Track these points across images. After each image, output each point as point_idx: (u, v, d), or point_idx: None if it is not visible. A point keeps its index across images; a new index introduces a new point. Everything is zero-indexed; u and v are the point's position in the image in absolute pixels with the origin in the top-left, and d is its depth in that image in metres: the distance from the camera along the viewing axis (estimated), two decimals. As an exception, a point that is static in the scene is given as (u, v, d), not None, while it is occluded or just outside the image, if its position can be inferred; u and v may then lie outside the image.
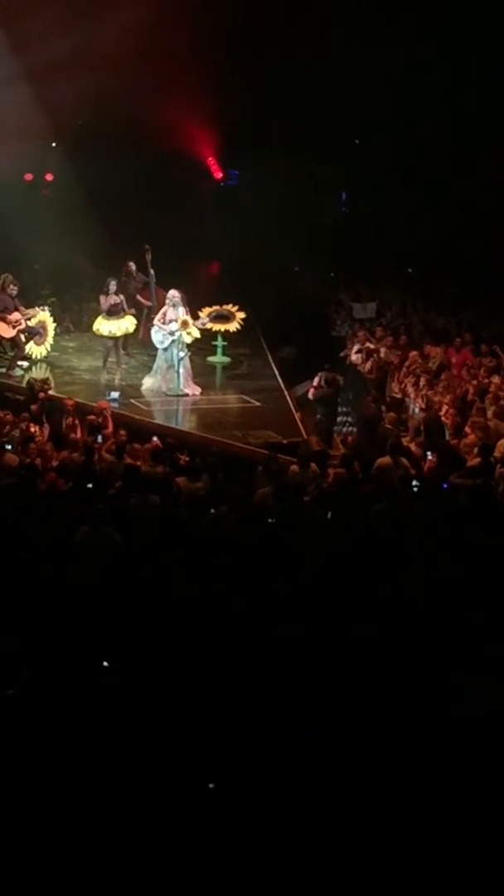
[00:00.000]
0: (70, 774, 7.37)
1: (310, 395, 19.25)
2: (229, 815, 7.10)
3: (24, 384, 19.34)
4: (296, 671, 8.37)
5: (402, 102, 26.67)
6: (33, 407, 17.05)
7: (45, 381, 18.66)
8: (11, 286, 20.86)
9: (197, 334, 20.50)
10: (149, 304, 21.80)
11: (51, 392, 18.14)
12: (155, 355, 20.58)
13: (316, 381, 19.09)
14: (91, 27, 24.59)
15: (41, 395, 17.48)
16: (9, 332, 20.79)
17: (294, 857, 6.85)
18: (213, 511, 12.12)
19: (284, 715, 7.91)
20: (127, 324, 20.85)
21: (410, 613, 9.29)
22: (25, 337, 21.17)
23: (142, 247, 21.85)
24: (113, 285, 20.94)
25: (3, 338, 20.98)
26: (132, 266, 22.07)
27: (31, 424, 16.11)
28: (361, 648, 8.66)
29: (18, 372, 20.77)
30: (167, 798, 7.22)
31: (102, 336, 20.90)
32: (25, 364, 21.08)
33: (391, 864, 6.83)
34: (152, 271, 21.81)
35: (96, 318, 21.01)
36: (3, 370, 20.81)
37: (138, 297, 21.87)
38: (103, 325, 20.78)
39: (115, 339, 20.82)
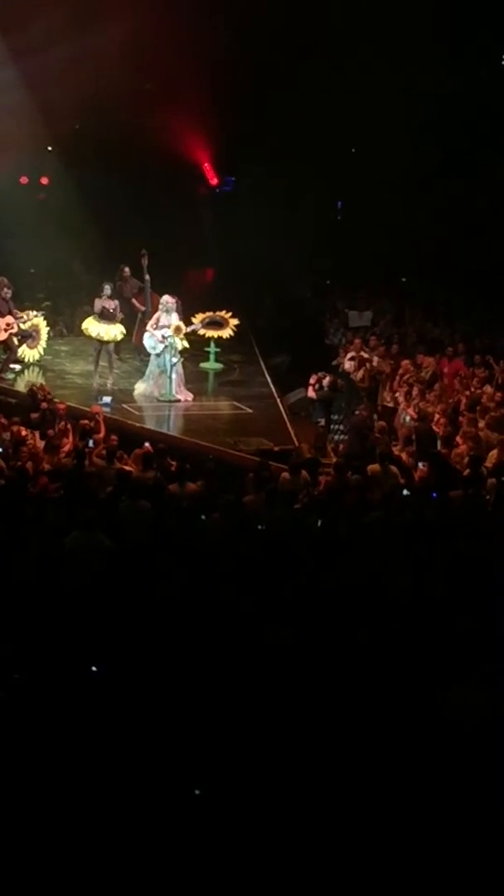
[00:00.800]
0: (62, 777, 7.37)
1: (311, 394, 19.24)
2: (224, 816, 7.11)
3: (23, 389, 19.25)
4: (286, 676, 8.38)
5: (398, 110, 26.67)
6: (34, 415, 16.91)
7: (46, 390, 18.34)
8: (5, 289, 20.85)
9: (186, 344, 20.45)
10: (143, 308, 21.79)
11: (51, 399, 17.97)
12: (147, 360, 20.58)
13: (313, 380, 19.09)
14: (88, 32, 24.57)
15: (43, 404, 17.28)
16: (0, 336, 20.77)
17: (287, 856, 6.86)
18: (203, 517, 12.11)
19: (274, 718, 7.92)
20: (115, 331, 20.82)
21: (400, 621, 9.29)
22: (18, 340, 21.15)
23: (138, 252, 21.85)
24: (107, 289, 20.95)
25: (-3, 341, 20.99)
26: (127, 270, 22.07)
27: (23, 428, 16.06)
28: (351, 654, 8.67)
29: (10, 375, 20.74)
30: (159, 800, 7.23)
31: (90, 337, 20.92)
32: (17, 367, 21.06)
33: (384, 865, 6.84)
34: (147, 276, 21.81)
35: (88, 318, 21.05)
36: (-4, 373, 20.82)
37: (133, 301, 21.87)
38: (92, 326, 20.78)
39: (102, 342, 20.80)
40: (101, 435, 16.07)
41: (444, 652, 8.69)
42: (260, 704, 8.08)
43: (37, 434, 16.22)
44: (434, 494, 13.53)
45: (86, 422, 16.49)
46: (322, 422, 18.80)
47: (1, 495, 12.46)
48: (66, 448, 15.86)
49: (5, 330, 20.68)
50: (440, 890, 6.83)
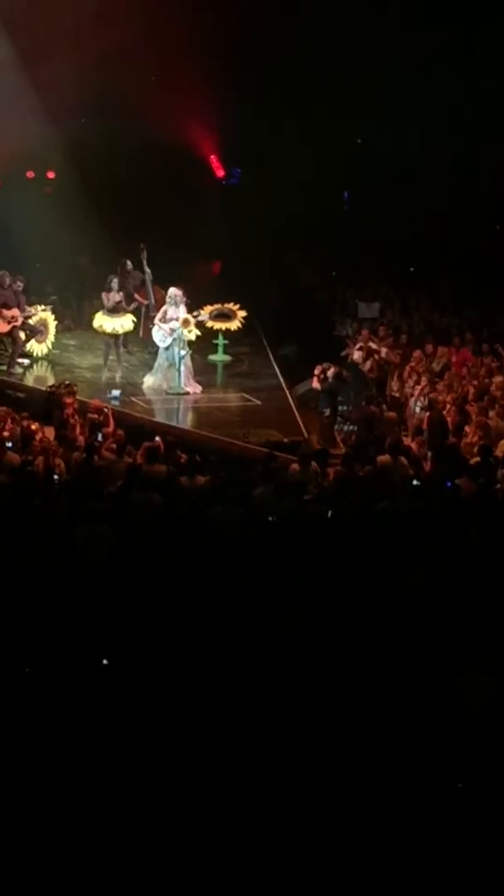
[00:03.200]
0: (72, 770, 7.37)
1: (315, 385, 19.23)
2: (230, 812, 7.10)
3: (32, 384, 19.21)
4: (296, 667, 8.37)
5: (405, 101, 26.64)
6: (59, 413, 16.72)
7: (68, 386, 18.05)
8: (18, 282, 20.86)
9: (193, 337, 20.42)
10: (146, 302, 21.79)
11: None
12: (155, 353, 20.57)
13: (318, 371, 19.08)
14: (95, 25, 24.55)
15: (69, 399, 17.04)
16: (3, 328, 20.75)
17: (292, 854, 6.85)
18: (214, 510, 12.10)
19: (284, 711, 7.91)
20: (126, 322, 20.87)
21: (411, 613, 9.28)
22: (26, 335, 21.15)
23: (138, 245, 21.84)
24: (115, 283, 20.96)
25: (1, 333, 20.97)
26: (129, 264, 22.06)
27: (33, 422, 16.03)
28: (362, 645, 8.66)
29: (18, 370, 20.74)
30: (168, 793, 7.22)
31: (104, 332, 20.94)
32: (26, 362, 21.07)
33: (390, 864, 6.83)
34: (148, 269, 21.79)
35: (97, 314, 21.04)
36: (3, 368, 20.79)
37: (136, 295, 21.86)
38: (105, 322, 20.83)
39: (115, 336, 20.82)
40: (111, 429, 16.04)
41: (454, 641, 8.67)
42: (270, 696, 8.07)
43: (45, 428, 16.19)
44: (448, 484, 13.49)
45: (94, 416, 16.47)
46: (327, 412, 18.77)
47: (12, 489, 12.44)
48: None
49: (9, 322, 20.67)
50: (457, 880, 6.83)
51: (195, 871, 6.78)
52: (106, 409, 16.67)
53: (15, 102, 24.52)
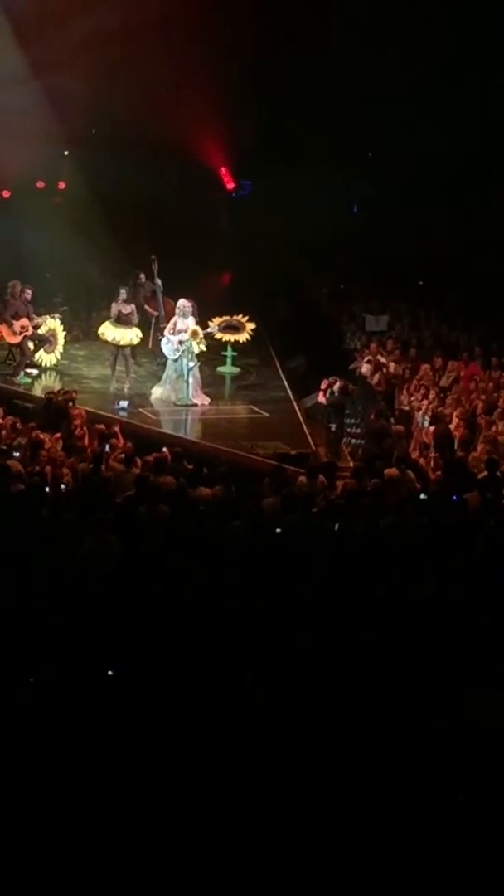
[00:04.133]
0: (77, 781, 7.37)
1: (321, 400, 19.23)
2: (237, 825, 7.10)
3: (41, 394, 19.20)
4: (304, 679, 8.36)
5: (415, 114, 26.68)
6: (66, 423, 16.71)
7: (67, 393, 18.04)
8: (26, 290, 20.90)
9: (204, 347, 20.49)
10: (156, 313, 21.82)
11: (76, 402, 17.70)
12: (163, 365, 20.59)
13: (324, 385, 19.07)
14: (106, 38, 24.61)
15: (74, 409, 17.03)
16: (14, 339, 20.79)
17: (299, 866, 6.85)
18: (221, 521, 12.09)
19: (292, 721, 7.91)
20: (132, 335, 20.86)
21: (419, 626, 9.27)
22: (35, 345, 21.19)
23: (149, 256, 21.89)
24: (123, 294, 20.97)
25: (10, 344, 21.00)
26: (142, 276, 22.11)
27: (40, 432, 16.02)
28: (369, 659, 8.65)
29: (26, 380, 20.74)
30: (173, 804, 7.22)
31: (106, 341, 20.97)
32: (35, 372, 21.09)
33: (397, 871, 6.83)
34: (159, 281, 21.83)
35: (104, 323, 21.08)
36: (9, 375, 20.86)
37: (146, 306, 21.90)
38: (108, 331, 20.83)
39: (118, 346, 20.82)
40: (120, 442, 15.99)
41: (463, 655, 8.66)
42: (278, 708, 8.06)
43: (54, 438, 16.18)
44: (455, 497, 13.49)
45: (102, 426, 16.47)
46: (334, 426, 18.76)
47: (20, 499, 12.44)
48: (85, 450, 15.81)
49: (20, 332, 20.72)
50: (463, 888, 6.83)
51: (198, 878, 6.78)
52: (115, 429, 16.54)
53: (27, 115, 24.59)
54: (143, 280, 22.08)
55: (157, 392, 20.38)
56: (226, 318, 22.17)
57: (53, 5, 24.53)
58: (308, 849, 6.95)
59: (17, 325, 20.69)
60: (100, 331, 21.08)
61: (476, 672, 8.30)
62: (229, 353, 22.38)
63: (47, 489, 13.14)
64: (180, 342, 19.88)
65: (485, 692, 8.04)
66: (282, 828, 7.07)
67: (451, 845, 7.02)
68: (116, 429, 16.46)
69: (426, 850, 6.96)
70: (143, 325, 21.48)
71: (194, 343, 19.94)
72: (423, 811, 7.22)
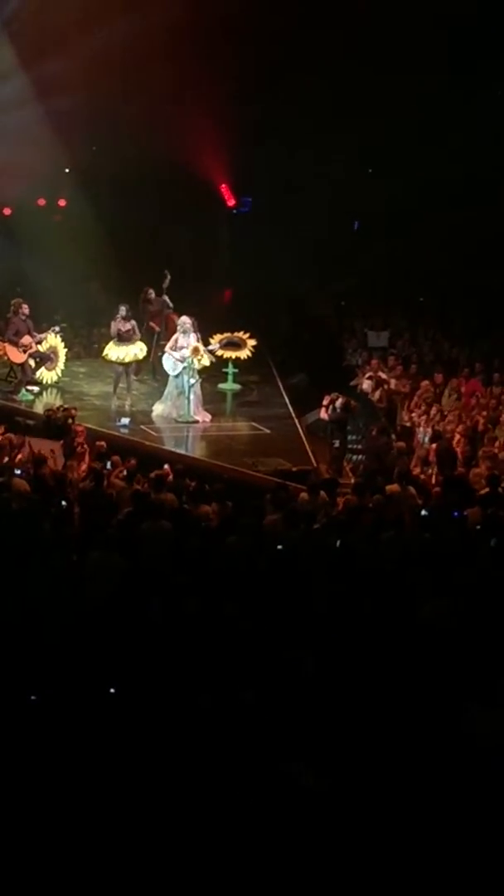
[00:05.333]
0: (78, 799, 7.37)
1: (323, 416, 19.23)
2: (239, 839, 7.10)
3: (42, 411, 19.22)
4: (303, 698, 8.36)
5: (415, 130, 26.74)
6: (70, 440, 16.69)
7: (66, 410, 18.05)
8: (23, 308, 20.93)
9: (206, 362, 20.54)
10: (157, 329, 21.87)
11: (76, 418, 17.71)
12: (165, 381, 20.61)
13: (326, 401, 19.08)
14: (108, 54, 24.67)
15: (77, 427, 17.02)
16: (20, 358, 20.84)
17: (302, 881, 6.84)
18: (224, 538, 12.09)
19: (293, 736, 7.91)
20: (136, 350, 20.92)
21: (420, 641, 9.26)
22: (36, 362, 21.21)
23: (160, 273, 21.95)
24: (122, 311, 21.00)
25: (13, 363, 21.02)
26: (151, 293, 22.18)
27: (42, 449, 15.98)
28: (370, 674, 8.65)
29: (28, 397, 20.76)
30: (176, 819, 7.22)
31: (111, 361, 21.00)
32: (36, 389, 21.10)
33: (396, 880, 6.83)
34: (166, 297, 21.90)
35: (107, 343, 21.10)
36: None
37: (150, 322, 21.95)
38: (112, 351, 20.89)
39: (124, 364, 20.87)
40: (117, 458, 15.93)
41: (465, 671, 8.65)
42: (277, 724, 8.06)
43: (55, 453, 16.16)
44: (455, 514, 13.48)
45: (102, 443, 16.46)
46: (337, 443, 18.75)
47: (22, 516, 12.45)
48: (83, 469, 15.78)
49: (24, 351, 20.77)
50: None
51: (197, 886, 6.78)
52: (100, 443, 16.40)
53: (28, 132, 24.66)
54: (153, 296, 22.15)
55: (158, 409, 20.40)
56: (227, 334, 22.22)
57: (54, 23, 24.60)
58: (306, 863, 6.94)
59: (22, 342, 20.72)
60: (104, 353, 21.13)
61: (476, 689, 8.29)
62: (230, 369, 22.42)
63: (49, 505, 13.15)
64: (182, 358, 19.91)
65: (484, 709, 8.02)
66: (281, 842, 7.06)
67: (448, 859, 7.02)
68: (102, 443, 16.35)
69: (424, 861, 6.96)
70: (147, 341, 21.53)
71: (195, 360, 19.98)
72: (421, 823, 7.22)
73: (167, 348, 20.35)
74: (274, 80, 26.75)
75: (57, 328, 21.73)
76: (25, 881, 6.84)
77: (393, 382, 21.28)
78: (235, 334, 22.40)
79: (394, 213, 27.92)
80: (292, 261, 27.37)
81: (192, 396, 20.05)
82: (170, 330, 21.19)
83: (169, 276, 21.83)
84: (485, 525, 12.96)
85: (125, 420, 19.60)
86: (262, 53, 26.05)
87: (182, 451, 18.86)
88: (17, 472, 14.57)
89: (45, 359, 21.41)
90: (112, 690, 8.64)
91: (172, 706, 8.31)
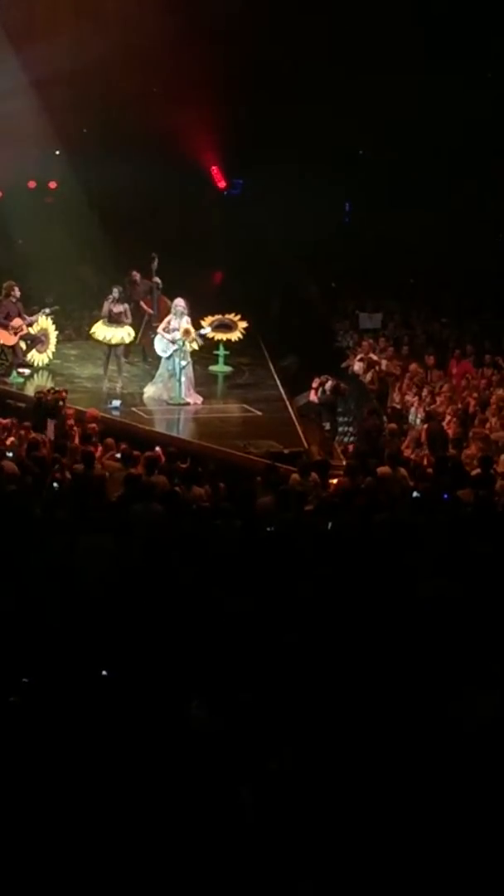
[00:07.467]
0: (71, 783, 7.36)
1: (313, 398, 19.22)
2: (231, 828, 7.09)
3: (33, 394, 19.17)
4: (296, 679, 8.36)
5: (406, 112, 26.68)
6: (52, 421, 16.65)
7: (57, 392, 18.01)
8: (14, 290, 20.87)
9: (196, 346, 20.50)
10: (151, 312, 21.82)
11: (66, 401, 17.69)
12: (153, 364, 20.60)
13: (316, 384, 19.07)
14: (96, 34, 24.61)
15: (68, 410, 17.00)
16: (10, 340, 20.80)
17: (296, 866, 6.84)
18: (214, 520, 12.08)
19: (286, 721, 7.90)
20: (123, 333, 20.87)
21: (412, 624, 9.27)
22: (27, 345, 21.17)
23: (149, 254, 21.90)
24: (116, 293, 20.97)
25: (4, 345, 20.97)
26: (136, 275, 22.14)
27: (34, 432, 15.98)
28: (361, 656, 8.64)
29: (19, 379, 20.74)
30: (169, 805, 7.21)
31: (97, 341, 20.97)
32: (27, 371, 21.07)
33: (394, 874, 6.82)
34: (157, 279, 21.86)
35: (97, 322, 21.08)
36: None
37: (141, 303, 21.91)
38: (100, 330, 20.88)
39: (109, 345, 20.82)
40: (111, 440, 15.91)
41: (456, 654, 8.66)
42: (269, 707, 8.06)
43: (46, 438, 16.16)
44: (445, 496, 13.49)
45: (94, 425, 16.45)
46: (328, 425, 18.75)
47: (13, 498, 12.43)
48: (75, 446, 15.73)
49: (15, 333, 20.72)
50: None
51: (196, 883, 6.77)
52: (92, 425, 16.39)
53: (17, 115, 24.58)
54: (139, 279, 22.10)
55: (149, 391, 20.39)
56: (218, 316, 22.20)
57: (44, 4, 24.53)
58: (303, 855, 6.95)
59: (12, 325, 20.67)
60: (92, 330, 21.11)
61: (473, 672, 8.29)
62: (221, 351, 22.40)
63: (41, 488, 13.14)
64: (173, 341, 19.88)
65: (482, 692, 8.03)
66: (277, 832, 7.06)
67: (446, 852, 7.02)
68: (93, 425, 16.33)
69: (422, 854, 6.96)
70: (137, 323, 21.50)
71: (187, 342, 19.96)
72: (417, 812, 7.22)
73: (160, 330, 20.33)
74: (266, 62, 26.68)
75: (48, 310, 21.64)
76: (14, 865, 6.83)
77: (384, 364, 21.27)
78: (227, 316, 22.38)
79: (385, 195, 27.86)
80: (283, 242, 27.34)
81: (183, 378, 20.04)
82: (162, 312, 21.16)
83: (157, 259, 21.79)
84: (476, 506, 12.96)
85: (116, 402, 19.58)
86: (254, 34, 25.95)
87: (173, 434, 18.86)
88: (9, 454, 14.55)
89: (35, 341, 21.36)
90: (104, 673, 8.63)
91: (166, 688, 8.31)
